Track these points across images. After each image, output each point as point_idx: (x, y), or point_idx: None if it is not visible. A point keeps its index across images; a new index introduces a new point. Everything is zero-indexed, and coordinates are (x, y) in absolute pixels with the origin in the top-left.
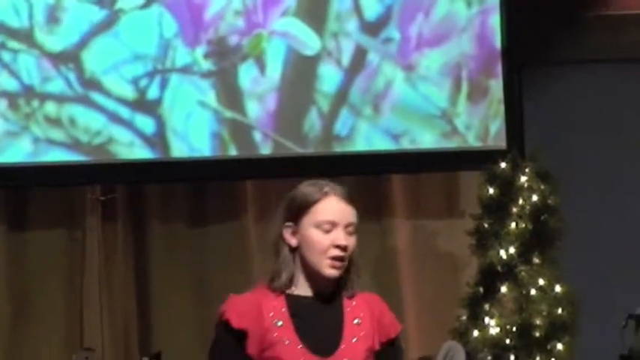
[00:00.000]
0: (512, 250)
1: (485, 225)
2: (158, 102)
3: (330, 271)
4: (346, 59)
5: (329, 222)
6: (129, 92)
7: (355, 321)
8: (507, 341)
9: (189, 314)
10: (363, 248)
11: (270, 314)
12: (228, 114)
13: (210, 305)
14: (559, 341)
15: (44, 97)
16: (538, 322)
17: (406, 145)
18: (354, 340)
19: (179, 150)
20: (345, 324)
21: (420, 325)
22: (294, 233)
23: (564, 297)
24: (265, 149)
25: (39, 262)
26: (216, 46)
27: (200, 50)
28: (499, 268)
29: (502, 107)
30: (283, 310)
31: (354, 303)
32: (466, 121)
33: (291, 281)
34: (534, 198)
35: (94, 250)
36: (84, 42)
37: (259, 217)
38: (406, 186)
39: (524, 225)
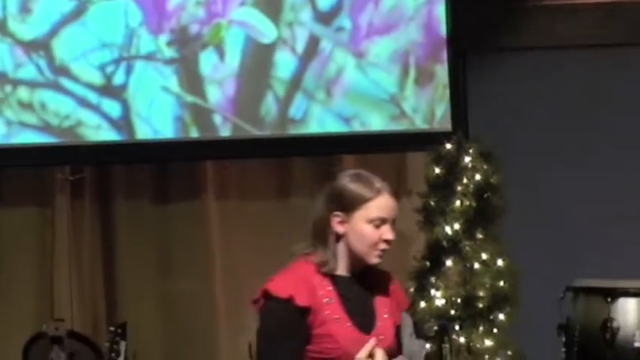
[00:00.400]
0: (456, 226)
1: (432, 203)
2: (124, 87)
3: (376, 260)
4: (300, 47)
5: (380, 218)
6: (96, 78)
7: (383, 298)
8: (452, 312)
9: (152, 287)
10: None
11: (321, 293)
12: (190, 98)
13: (172, 279)
14: (501, 312)
15: (17, 82)
16: (481, 293)
17: (357, 127)
18: (385, 316)
19: (143, 132)
20: (375, 302)
21: None
22: (342, 222)
23: (506, 270)
24: (224, 131)
25: (11, 238)
26: (178, 34)
27: (163, 38)
28: (444, 243)
29: (447, 91)
30: (330, 288)
31: (378, 281)
32: (413, 104)
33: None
34: (478, 177)
35: (64, 227)
36: (54, 31)
37: (219, 196)
38: (357, 166)
39: (468, 203)
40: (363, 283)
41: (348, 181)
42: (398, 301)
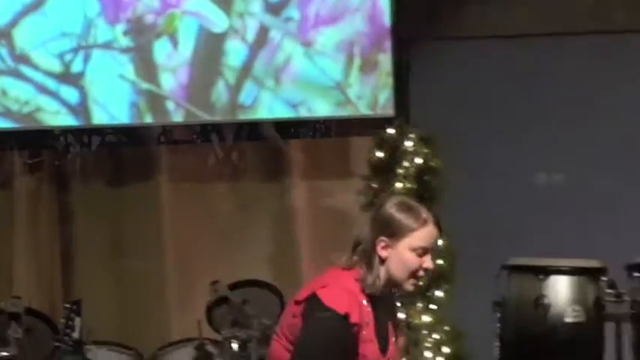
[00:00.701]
0: None
1: (374, 185)
2: (81, 75)
3: (411, 288)
4: (251, 36)
5: (423, 248)
6: (55, 66)
7: (392, 323)
8: None
9: (107, 266)
10: (264, 206)
11: (364, 312)
12: (145, 85)
13: (126, 258)
14: (439, 289)
15: None
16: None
17: (304, 113)
18: (393, 339)
19: (100, 118)
20: (390, 325)
21: (314, 274)
22: (385, 247)
23: (444, 249)
24: (177, 117)
25: None
26: (134, 24)
27: (119, 28)
28: None
29: (390, 79)
30: (369, 310)
31: (391, 305)
32: (358, 91)
33: None
34: (418, 160)
35: (22, 209)
36: (15, 21)
37: (171, 178)
38: (304, 150)
39: (408, 185)
40: (389, 305)
41: (395, 210)
42: (398, 326)
